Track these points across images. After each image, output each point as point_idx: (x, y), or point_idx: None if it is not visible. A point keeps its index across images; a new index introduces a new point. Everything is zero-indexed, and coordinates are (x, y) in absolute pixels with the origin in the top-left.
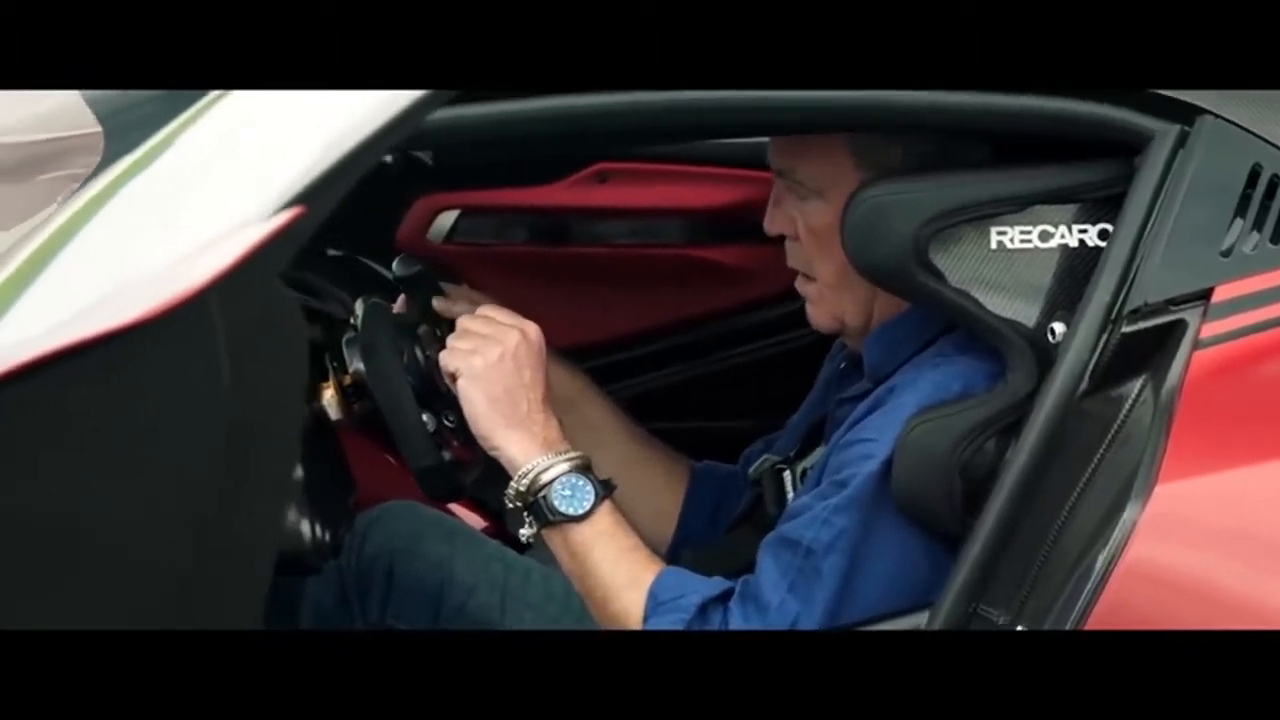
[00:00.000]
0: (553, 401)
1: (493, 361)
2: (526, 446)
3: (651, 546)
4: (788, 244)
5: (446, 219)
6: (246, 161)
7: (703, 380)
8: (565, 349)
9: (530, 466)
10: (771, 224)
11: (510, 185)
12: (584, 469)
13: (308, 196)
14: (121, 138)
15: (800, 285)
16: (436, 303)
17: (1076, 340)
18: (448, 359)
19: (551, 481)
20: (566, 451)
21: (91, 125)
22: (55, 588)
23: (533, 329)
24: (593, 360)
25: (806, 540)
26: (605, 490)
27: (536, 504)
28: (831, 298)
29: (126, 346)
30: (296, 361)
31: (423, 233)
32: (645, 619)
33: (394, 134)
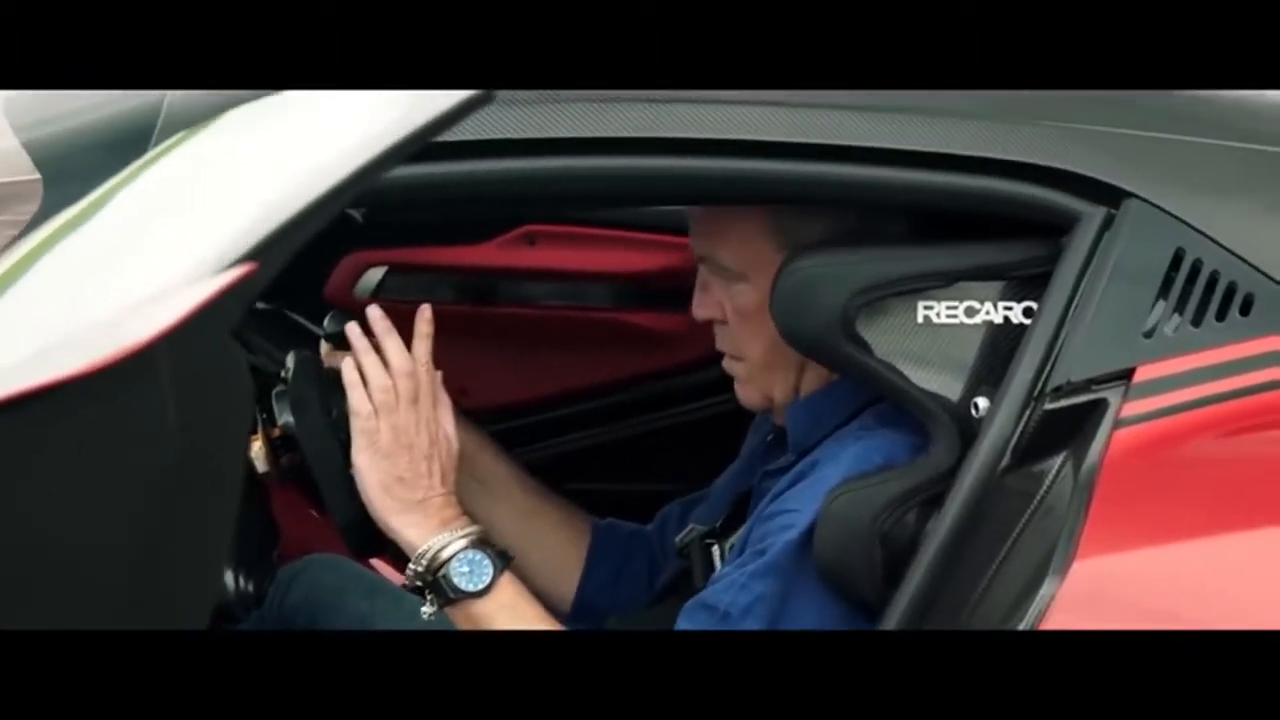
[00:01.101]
0: (451, 465)
1: (387, 447)
2: (422, 529)
3: (550, 602)
4: (716, 328)
5: (374, 275)
6: (196, 215)
7: (626, 443)
8: (489, 408)
9: (426, 548)
10: (700, 309)
11: (439, 244)
12: (481, 543)
13: (259, 253)
14: (59, 186)
15: (728, 365)
16: (325, 354)
17: (999, 416)
18: (355, 404)
19: (449, 559)
20: (464, 527)
21: (28, 173)
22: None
23: (425, 373)
24: (516, 419)
25: (724, 605)
26: (503, 562)
27: (436, 582)
28: (761, 377)
29: (71, 398)
30: (241, 418)
31: (350, 288)
32: None
33: (349, 191)
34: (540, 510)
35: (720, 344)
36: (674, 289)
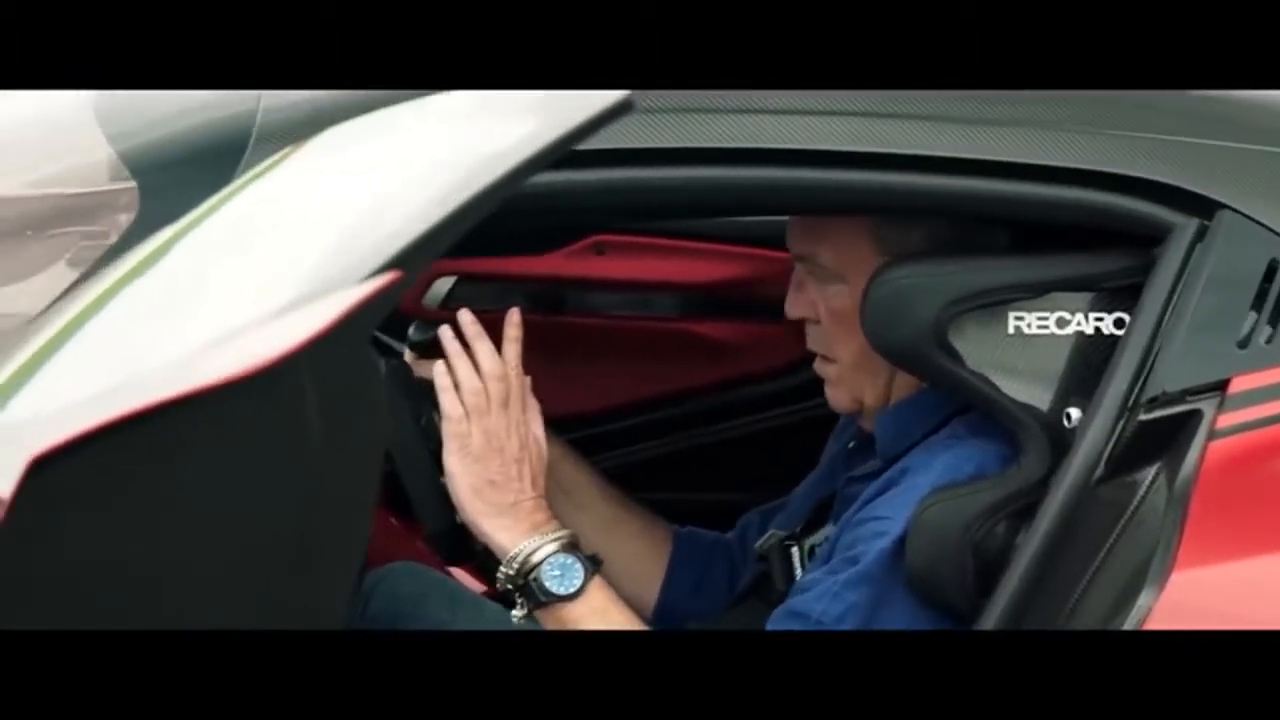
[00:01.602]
0: (541, 469)
1: (478, 450)
2: (513, 532)
3: (633, 609)
4: (808, 327)
5: (443, 285)
6: (335, 222)
7: (692, 453)
8: (558, 417)
9: (518, 551)
10: (793, 308)
11: (508, 253)
12: (572, 547)
13: (403, 260)
14: (156, 196)
15: (819, 366)
16: (411, 363)
17: (1093, 427)
18: (448, 410)
19: (541, 563)
20: (555, 531)
21: (122, 181)
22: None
23: (515, 377)
24: (585, 430)
25: (815, 613)
26: (594, 566)
27: (527, 586)
28: (851, 379)
29: (216, 405)
30: (379, 428)
31: (419, 298)
32: None
33: (494, 198)
34: (622, 518)
35: (811, 344)
36: (741, 299)
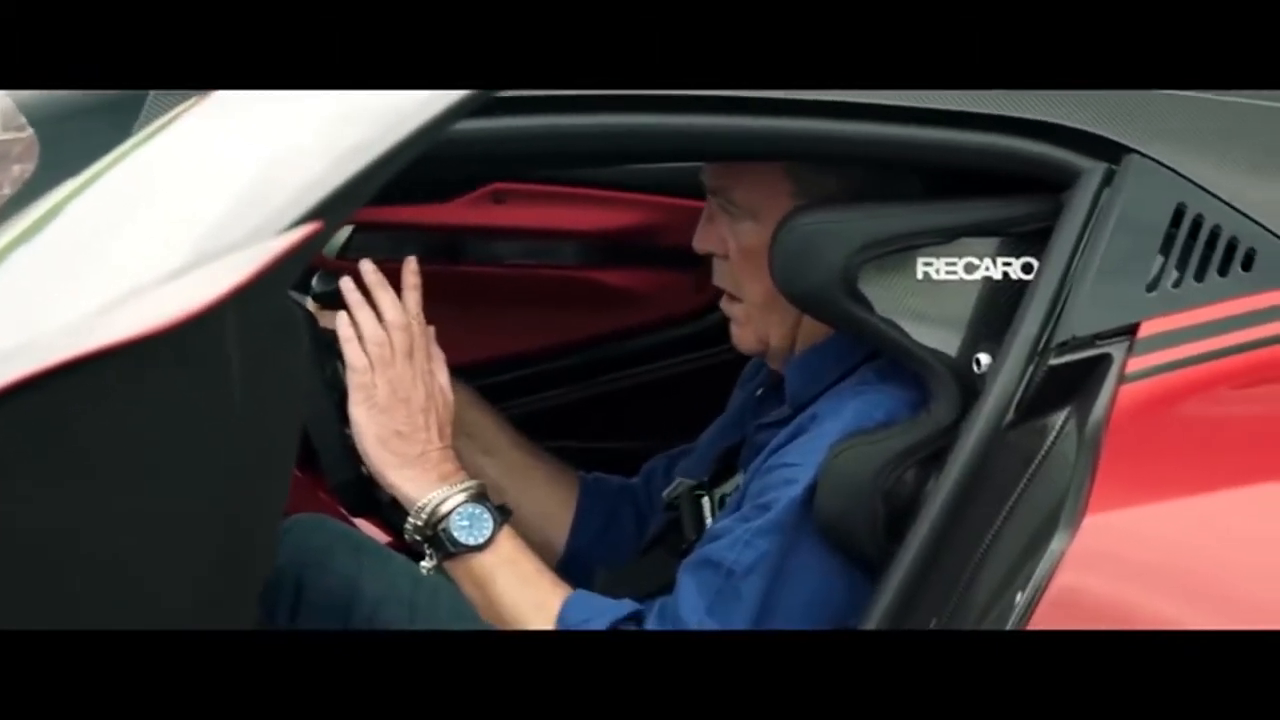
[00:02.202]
0: (448, 418)
1: (384, 401)
2: (421, 483)
3: (540, 555)
4: (715, 262)
5: (341, 234)
6: (245, 174)
7: (593, 401)
8: (460, 366)
9: (425, 501)
10: (701, 242)
11: (405, 202)
12: (480, 497)
13: (324, 210)
14: (55, 146)
15: (725, 305)
16: (315, 313)
17: (1003, 372)
18: (351, 357)
19: (449, 513)
20: (463, 481)
21: (18, 130)
22: (48, 605)
23: (418, 326)
24: (485, 378)
25: (728, 562)
26: (503, 516)
27: (436, 536)
28: (759, 318)
29: (138, 358)
30: (299, 382)
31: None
32: None
33: (418, 143)
34: (529, 465)
35: (718, 280)
36: (642, 247)
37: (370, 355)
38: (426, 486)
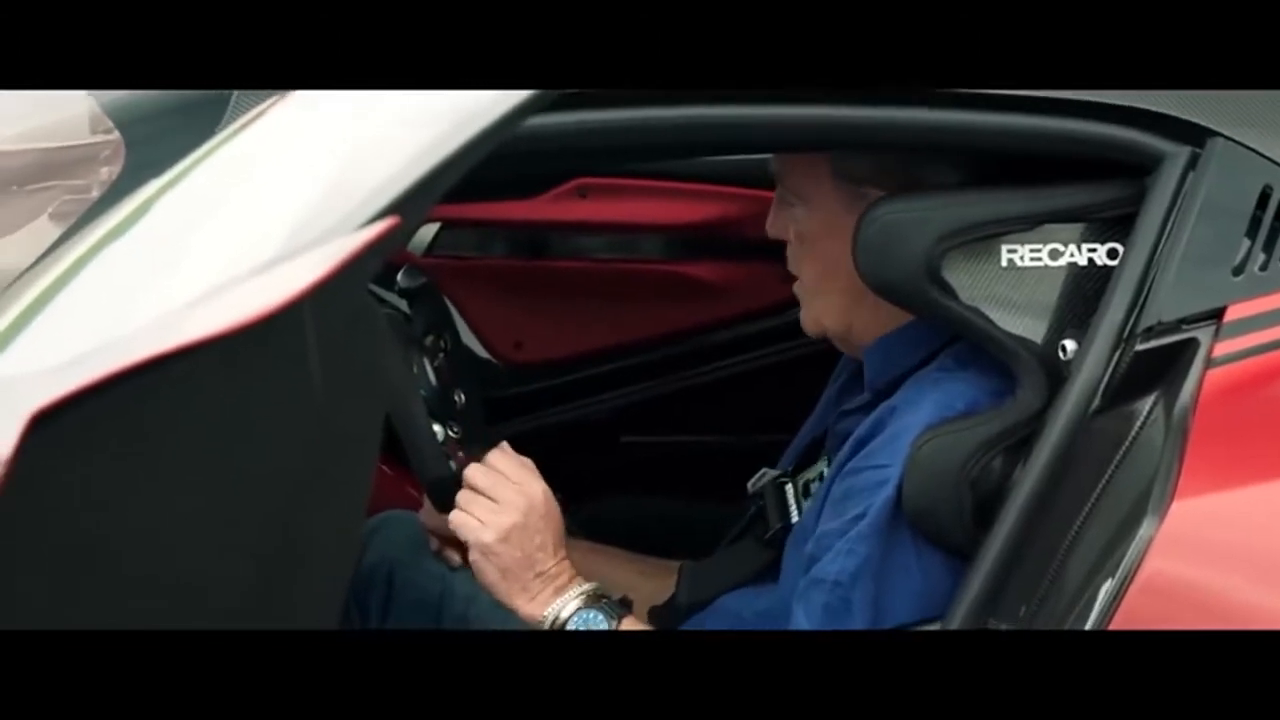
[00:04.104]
0: (564, 543)
1: (501, 534)
2: (540, 601)
3: None
4: (788, 247)
5: (427, 231)
6: (325, 170)
7: (681, 395)
8: (543, 362)
9: (544, 615)
10: (770, 226)
11: (490, 199)
12: (594, 599)
13: (401, 206)
14: (141, 148)
15: (795, 287)
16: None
17: (1090, 358)
18: (456, 522)
19: (566, 620)
20: (578, 588)
21: (105, 133)
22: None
23: (539, 491)
24: (570, 374)
25: (832, 575)
26: (622, 610)
27: None
28: (811, 302)
29: (221, 354)
30: (380, 376)
31: (403, 245)
32: None
33: (492, 139)
34: (661, 589)
35: (789, 263)
36: (725, 239)
37: (492, 532)
38: (545, 603)
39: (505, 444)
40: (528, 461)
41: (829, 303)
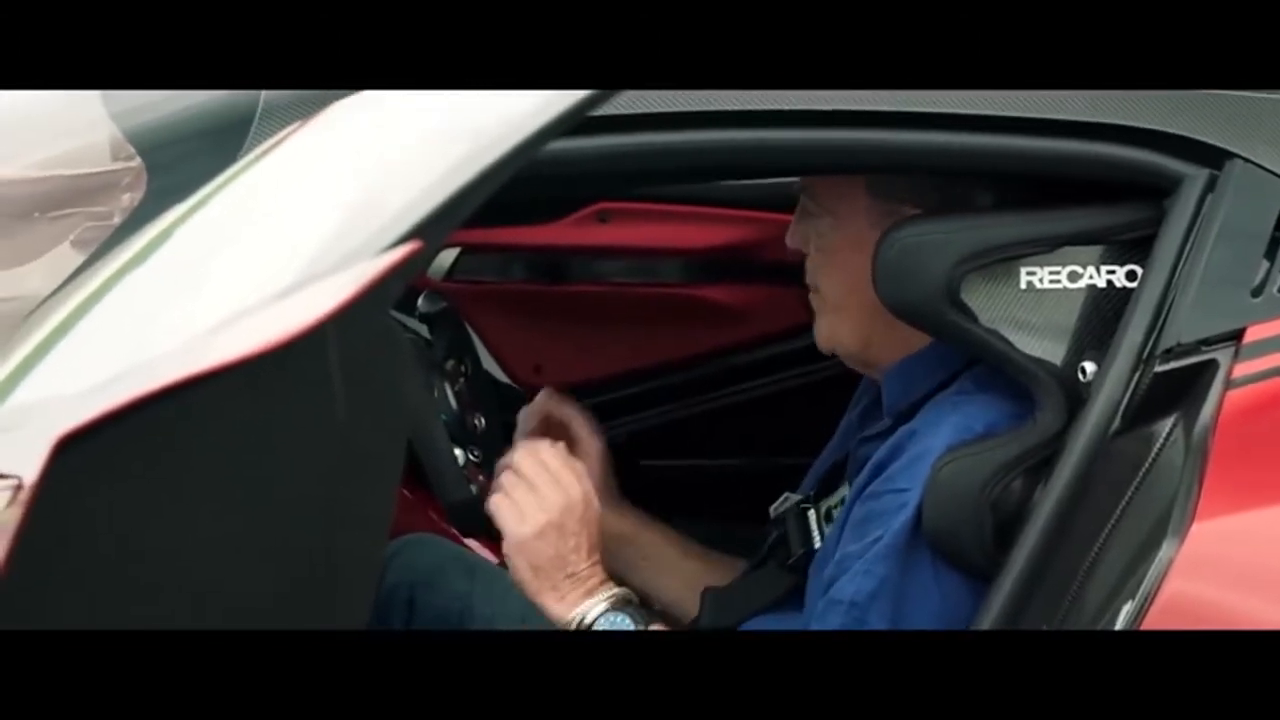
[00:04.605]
0: (600, 546)
1: (538, 530)
2: (568, 602)
3: None
4: (807, 260)
5: (447, 256)
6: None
7: (702, 418)
8: (565, 385)
9: (571, 617)
10: (791, 238)
11: (511, 223)
12: (622, 603)
13: (423, 230)
14: (163, 173)
15: (812, 298)
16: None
17: (1109, 379)
18: (496, 507)
19: (592, 623)
20: (607, 591)
21: (127, 160)
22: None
23: (580, 494)
24: (593, 397)
25: (849, 595)
26: (649, 618)
27: None
28: (830, 316)
29: (245, 379)
30: (404, 399)
31: (424, 270)
32: None
33: (509, 166)
34: (703, 573)
35: (808, 276)
36: (746, 263)
37: (530, 526)
38: (573, 604)
39: (562, 444)
40: (577, 464)
41: (848, 318)
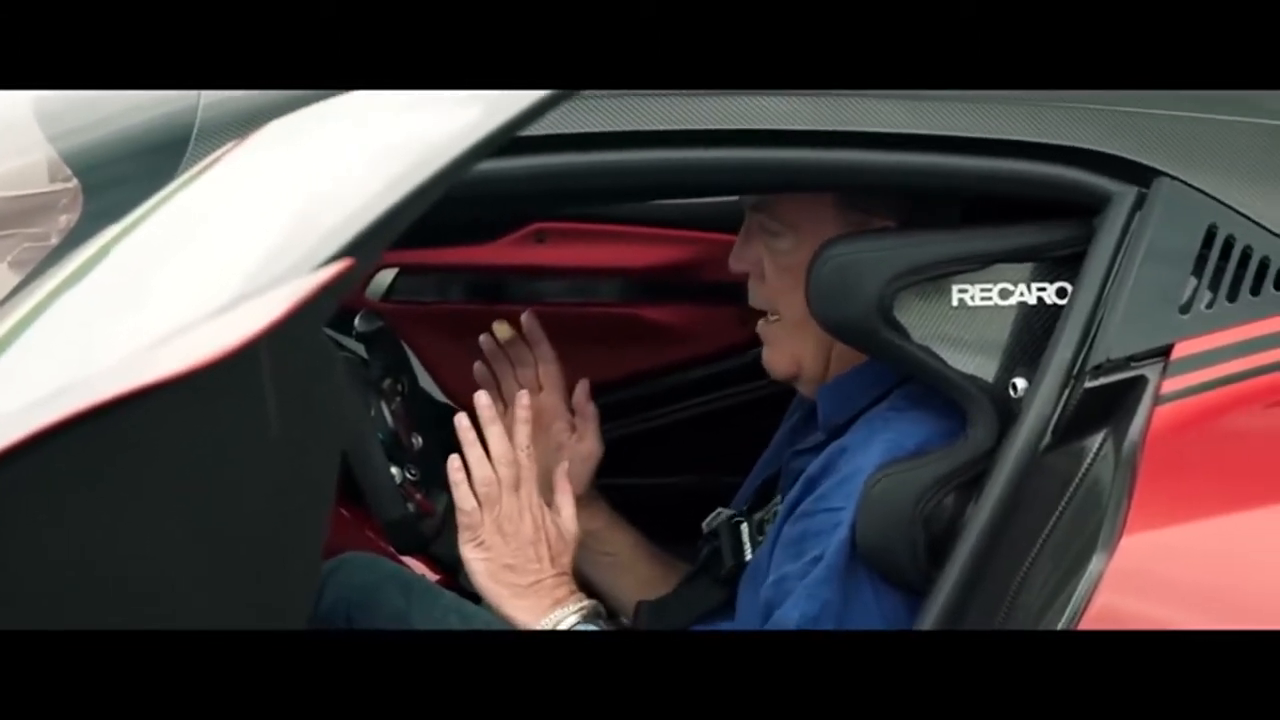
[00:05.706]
0: (564, 547)
1: (490, 538)
2: (534, 611)
3: None
4: (750, 283)
5: (385, 276)
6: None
7: (639, 437)
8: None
9: (540, 627)
10: (737, 260)
11: (448, 244)
12: (592, 616)
13: (354, 248)
14: (100, 194)
15: (761, 327)
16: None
17: (1039, 395)
18: (461, 484)
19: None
20: (576, 603)
21: (63, 181)
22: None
23: (526, 459)
24: None
25: (794, 621)
26: (619, 628)
27: None
28: (795, 337)
29: (180, 394)
30: (337, 419)
31: (363, 290)
32: None
33: (440, 186)
34: (665, 577)
35: (753, 300)
36: (684, 283)
37: (478, 495)
38: (539, 614)
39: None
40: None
41: (816, 338)
